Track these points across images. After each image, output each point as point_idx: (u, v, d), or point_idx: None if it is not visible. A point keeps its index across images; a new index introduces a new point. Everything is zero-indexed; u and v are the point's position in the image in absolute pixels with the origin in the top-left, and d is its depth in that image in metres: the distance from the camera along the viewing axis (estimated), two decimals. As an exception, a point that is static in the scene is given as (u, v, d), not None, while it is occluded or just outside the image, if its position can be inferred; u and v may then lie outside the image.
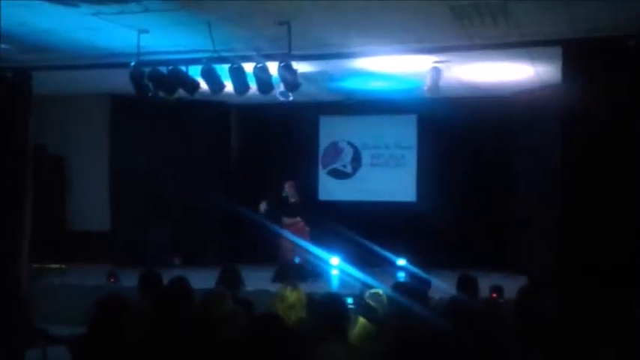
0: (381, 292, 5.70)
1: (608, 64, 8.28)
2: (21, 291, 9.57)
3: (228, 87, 9.62)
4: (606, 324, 4.73)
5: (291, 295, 5.69)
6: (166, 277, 6.01)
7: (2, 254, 9.94)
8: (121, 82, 9.99)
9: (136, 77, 9.39)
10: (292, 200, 12.37)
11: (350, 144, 14.90)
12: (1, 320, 6.00)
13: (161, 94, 9.63)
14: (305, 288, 5.98)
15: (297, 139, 14.72)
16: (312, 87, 11.89)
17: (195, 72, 9.48)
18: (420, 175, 14.37)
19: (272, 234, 12.18)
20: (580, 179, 8.40)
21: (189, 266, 12.32)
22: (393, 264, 12.70)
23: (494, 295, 9.23)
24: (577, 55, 8.49)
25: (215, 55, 9.04)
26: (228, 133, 15.07)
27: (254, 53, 9.16)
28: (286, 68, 8.94)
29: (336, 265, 12.74)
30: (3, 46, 9.31)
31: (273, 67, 9.07)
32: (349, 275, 11.29)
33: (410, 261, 12.36)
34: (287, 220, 12.30)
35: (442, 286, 7.84)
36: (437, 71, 10.36)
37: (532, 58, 10.08)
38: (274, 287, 7.93)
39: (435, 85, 10.43)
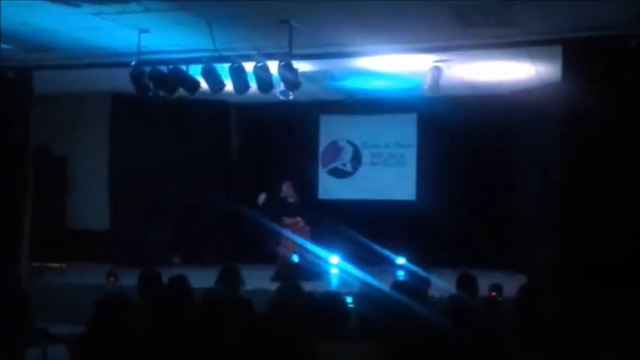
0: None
1: (608, 64, 8.28)
2: (21, 290, 9.56)
3: (229, 86, 9.63)
4: (606, 324, 4.73)
5: None
6: (166, 276, 6.00)
7: (2, 253, 9.95)
8: (121, 81, 10.00)
9: (137, 76, 9.40)
10: (291, 200, 12.39)
11: (350, 143, 14.90)
12: (1, 319, 6.00)
13: (161, 93, 9.65)
14: (305, 287, 5.97)
15: (298, 138, 14.72)
16: (312, 86, 11.90)
17: (195, 71, 9.49)
18: (420, 174, 14.36)
19: (272, 233, 12.20)
20: (580, 179, 8.39)
21: (189, 265, 12.32)
22: (392, 263, 12.69)
23: (494, 293, 9.22)
24: (577, 55, 8.48)
25: (215, 54, 9.05)
26: (229, 132, 15.07)
27: (254, 52, 9.17)
28: (287, 67, 8.95)
29: (335, 264, 12.74)
30: (4, 45, 9.32)
31: (273, 66, 9.08)
32: (349, 274, 11.29)
33: (409, 260, 12.32)
34: (287, 220, 12.33)
35: (442, 285, 7.82)
36: (437, 70, 10.37)
37: (532, 57, 10.08)
38: (274, 286, 7.92)
39: (436, 84, 10.44)
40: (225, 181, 14.58)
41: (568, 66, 8.55)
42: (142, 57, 9.27)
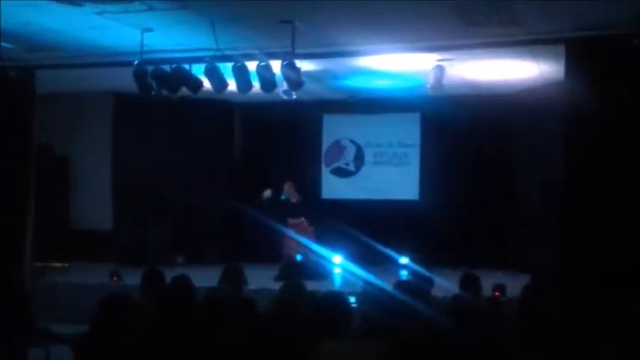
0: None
1: (611, 63, 8.26)
2: (24, 290, 9.57)
3: (232, 85, 9.63)
4: (606, 324, 4.72)
5: None
6: (169, 275, 6.01)
7: (5, 253, 9.95)
8: (124, 80, 10.01)
9: (140, 76, 9.41)
10: (294, 201, 12.40)
11: (353, 142, 14.90)
12: (4, 319, 6.00)
13: (164, 92, 9.65)
14: (308, 286, 5.97)
15: (300, 138, 14.73)
16: (315, 85, 11.91)
17: (198, 70, 9.50)
18: (423, 174, 14.36)
19: (274, 232, 12.21)
20: (582, 179, 8.38)
21: (190, 265, 12.33)
22: (395, 262, 12.68)
23: (497, 293, 9.22)
24: (580, 54, 8.47)
25: (218, 53, 9.06)
26: (232, 131, 15.10)
27: (257, 52, 9.17)
28: (289, 66, 8.95)
29: (338, 264, 12.73)
30: (6, 45, 9.32)
31: (276, 66, 9.08)
32: (352, 273, 11.28)
33: (412, 259, 12.35)
34: (291, 221, 12.38)
35: (445, 285, 7.82)
36: (440, 69, 10.37)
37: (535, 56, 10.07)
38: (277, 286, 7.93)
39: (439, 83, 10.44)
40: (228, 180, 14.59)
41: (571, 65, 8.54)
42: (145, 56, 9.27)
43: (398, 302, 4.96)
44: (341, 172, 14.98)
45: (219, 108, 13.94)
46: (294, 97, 10.07)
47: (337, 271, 12.65)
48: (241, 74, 9.35)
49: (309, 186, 14.21)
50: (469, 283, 6.70)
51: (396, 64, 10.75)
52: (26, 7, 7.85)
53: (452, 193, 13.76)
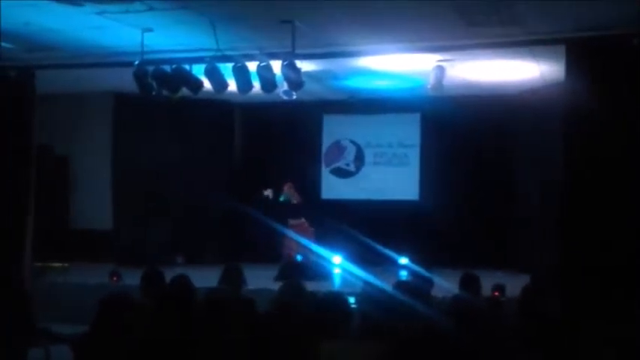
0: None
1: (611, 63, 8.26)
2: (24, 290, 9.57)
3: (232, 86, 9.63)
4: (606, 324, 4.72)
5: None
6: (169, 275, 6.01)
7: (5, 253, 9.95)
8: (124, 81, 10.01)
9: (140, 76, 9.41)
10: (294, 202, 12.40)
11: (353, 142, 14.90)
12: (4, 319, 5.99)
13: (165, 92, 9.65)
14: (308, 287, 5.97)
15: (301, 138, 14.74)
16: (315, 86, 11.91)
17: (198, 71, 9.50)
18: (423, 174, 14.37)
19: (274, 233, 12.21)
20: (582, 179, 8.38)
21: (190, 265, 12.33)
22: (395, 262, 12.69)
23: (497, 293, 9.22)
24: (581, 54, 8.47)
25: (219, 53, 9.05)
26: (232, 131, 15.10)
27: (257, 52, 9.17)
28: (290, 67, 8.95)
29: (338, 264, 12.74)
30: (6, 45, 9.32)
31: (276, 66, 9.08)
32: (351, 274, 11.28)
33: (412, 259, 12.35)
34: (292, 222, 12.40)
35: (445, 285, 7.82)
36: (441, 70, 10.37)
37: (536, 57, 10.07)
38: (276, 286, 7.94)
39: (439, 83, 10.44)
40: (228, 180, 14.59)
41: (571, 65, 8.54)
42: (146, 56, 9.27)
43: (398, 302, 4.96)
44: (341, 173, 14.98)
45: (220, 108, 13.94)
46: (295, 97, 10.07)
47: (337, 271, 12.65)
48: (241, 74, 9.35)
49: (309, 186, 14.22)
50: (469, 283, 6.70)
51: (396, 65, 10.75)
52: (26, 7, 7.85)
53: (452, 193, 13.76)
